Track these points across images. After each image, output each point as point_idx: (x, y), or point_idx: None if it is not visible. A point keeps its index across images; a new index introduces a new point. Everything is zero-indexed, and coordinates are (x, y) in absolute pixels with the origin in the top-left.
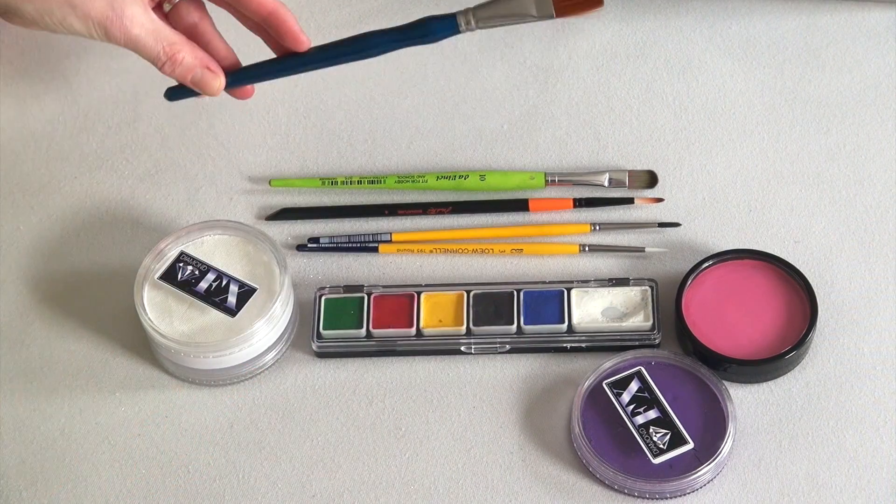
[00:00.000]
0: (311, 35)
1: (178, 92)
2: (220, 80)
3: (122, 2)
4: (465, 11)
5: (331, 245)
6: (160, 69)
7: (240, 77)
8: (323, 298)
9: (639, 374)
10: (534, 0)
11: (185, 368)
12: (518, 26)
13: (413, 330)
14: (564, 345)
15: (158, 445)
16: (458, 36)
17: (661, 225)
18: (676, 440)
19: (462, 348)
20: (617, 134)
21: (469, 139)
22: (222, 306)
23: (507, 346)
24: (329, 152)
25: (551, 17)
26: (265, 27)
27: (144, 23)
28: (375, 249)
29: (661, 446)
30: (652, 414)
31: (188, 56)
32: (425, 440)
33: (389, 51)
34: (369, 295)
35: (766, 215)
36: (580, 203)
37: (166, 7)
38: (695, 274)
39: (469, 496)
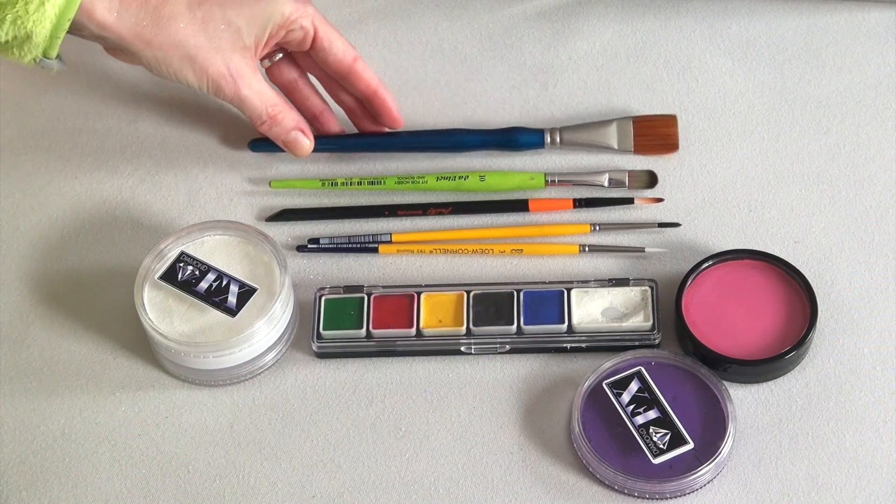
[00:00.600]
0: None
1: (261, 144)
2: (310, 144)
3: (237, 65)
4: (553, 130)
5: (331, 246)
6: (258, 127)
7: (327, 143)
8: (323, 299)
9: (639, 375)
10: (616, 135)
11: (185, 368)
12: (518, 25)
13: (413, 330)
14: (564, 345)
15: (158, 445)
16: (458, 36)
17: (661, 225)
18: (676, 440)
19: (462, 348)
20: None
21: None
22: (222, 306)
23: (507, 347)
24: (329, 153)
25: (630, 152)
26: (364, 104)
27: (253, 84)
28: (375, 250)
29: (661, 446)
30: (652, 414)
31: (287, 119)
32: (425, 440)
33: (477, 150)
34: (369, 295)
35: (766, 215)
36: (580, 203)
37: (266, 63)
38: (695, 274)
39: (469, 496)
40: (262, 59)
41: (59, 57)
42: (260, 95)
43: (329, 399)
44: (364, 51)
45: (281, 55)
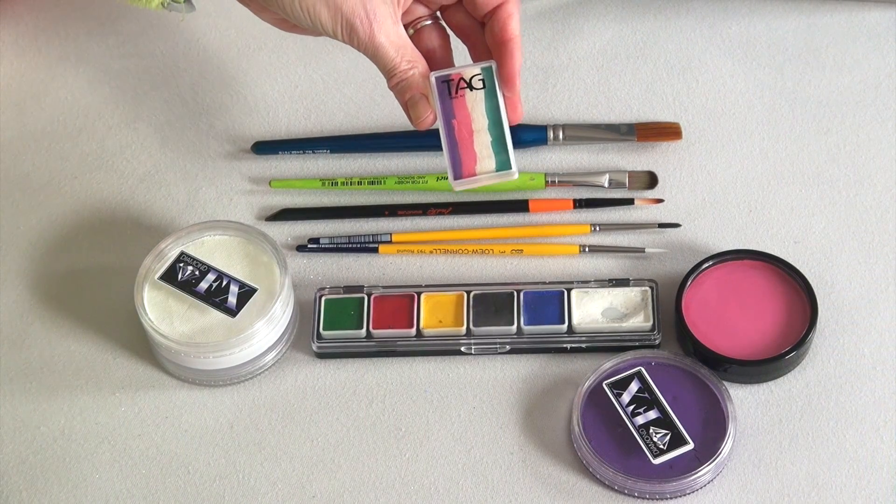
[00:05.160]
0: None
1: (265, 147)
2: (432, 115)
3: (375, 6)
4: (555, 126)
5: (331, 246)
6: (389, 80)
7: (327, 143)
8: (323, 299)
9: (639, 375)
10: (619, 126)
11: (185, 369)
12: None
13: (413, 330)
14: (564, 345)
15: (158, 446)
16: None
17: (661, 225)
18: (676, 440)
19: (462, 349)
20: None
21: None
22: (222, 307)
23: (507, 347)
24: (329, 153)
25: (633, 140)
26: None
27: (391, 33)
28: (375, 250)
29: (661, 447)
30: (652, 414)
31: (418, 75)
32: (425, 440)
33: None
34: (369, 295)
35: (766, 215)
36: (580, 204)
37: (409, 31)
38: (695, 274)
39: (469, 496)
40: (406, 26)
41: None
42: (397, 47)
43: (329, 399)
44: None
45: (429, 22)
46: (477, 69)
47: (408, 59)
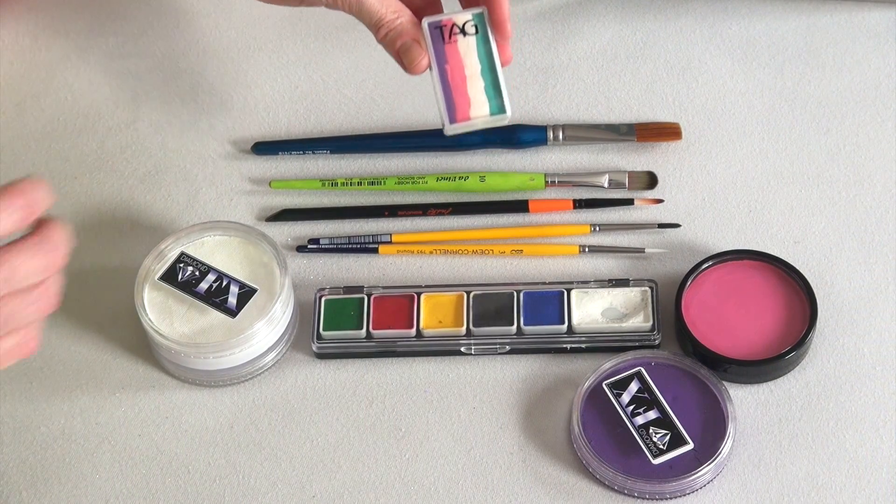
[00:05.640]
0: (310, 37)
1: (265, 147)
2: (426, 59)
3: None
4: (555, 126)
5: (331, 246)
6: (376, 34)
7: (327, 144)
8: (323, 299)
9: (638, 375)
10: (618, 127)
11: (185, 369)
12: (518, 25)
13: (413, 331)
14: (564, 345)
15: (158, 446)
16: None
17: (661, 226)
18: (676, 441)
19: (462, 349)
20: None
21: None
22: (223, 307)
23: (507, 347)
24: (329, 153)
25: (633, 140)
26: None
27: None
28: (375, 250)
29: (661, 447)
30: (652, 414)
31: (406, 22)
32: (425, 441)
33: (479, 148)
34: (369, 296)
35: (766, 215)
36: (580, 204)
37: None
38: (695, 274)
39: (469, 496)
40: None
41: None
42: (382, 0)
43: (329, 399)
44: (364, 51)
45: None
46: (468, 15)
47: (392, 9)
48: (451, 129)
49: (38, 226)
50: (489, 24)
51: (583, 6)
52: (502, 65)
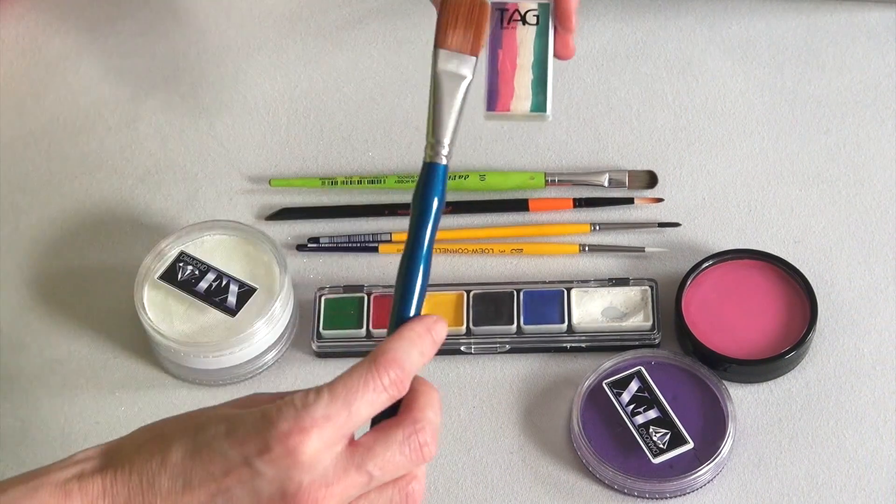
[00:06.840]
0: (309, 36)
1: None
2: None
3: None
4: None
5: (331, 245)
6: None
7: None
8: (323, 298)
9: (639, 374)
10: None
11: (185, 368)
12: None
13: None
14: (564, 345)
15: None
16: None
17: (661, 225)
18: (676, 440)
19: (462, 348)
20: (617, 134)
21: (469, 139)
22: (222, 306)
23: (507, 346)
24: (329, 152)
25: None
26: None
27: None
28: (375, 249)
29: (661, 446)
30: (652, 414)
31: None
32: None
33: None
34: (369, 295)
35: (766, 215)
36: (580, 203)
37: None
38: (695, 274)
39: (469, 496)
40: None
41: None
42: None
43: None
44: (364, 50)
45: None
46: (534, 4)
47: None
48: (488, 116)
49: (409, 404)
50: (553, 17)
51: (583, 6)
52: (565, 58)
